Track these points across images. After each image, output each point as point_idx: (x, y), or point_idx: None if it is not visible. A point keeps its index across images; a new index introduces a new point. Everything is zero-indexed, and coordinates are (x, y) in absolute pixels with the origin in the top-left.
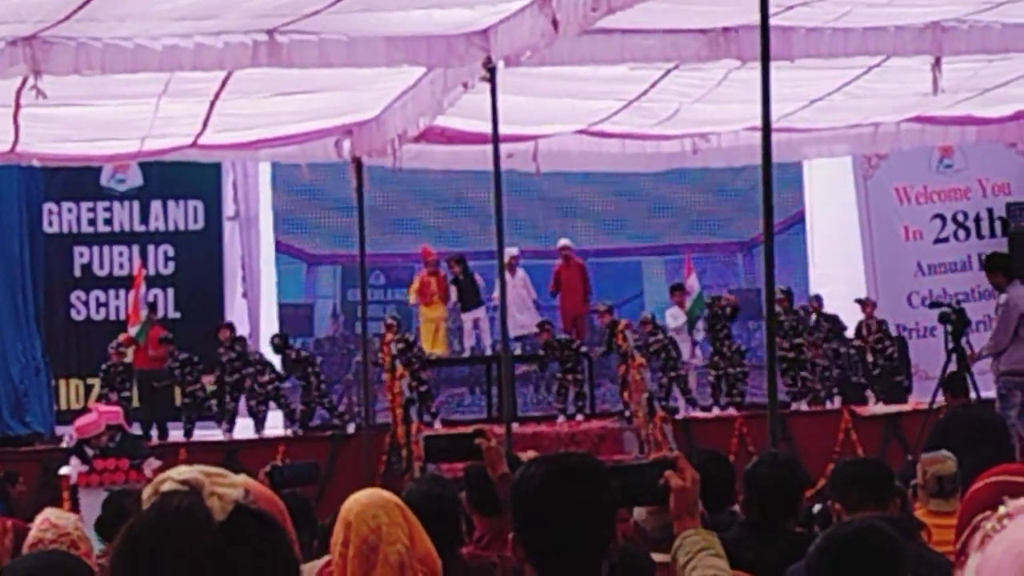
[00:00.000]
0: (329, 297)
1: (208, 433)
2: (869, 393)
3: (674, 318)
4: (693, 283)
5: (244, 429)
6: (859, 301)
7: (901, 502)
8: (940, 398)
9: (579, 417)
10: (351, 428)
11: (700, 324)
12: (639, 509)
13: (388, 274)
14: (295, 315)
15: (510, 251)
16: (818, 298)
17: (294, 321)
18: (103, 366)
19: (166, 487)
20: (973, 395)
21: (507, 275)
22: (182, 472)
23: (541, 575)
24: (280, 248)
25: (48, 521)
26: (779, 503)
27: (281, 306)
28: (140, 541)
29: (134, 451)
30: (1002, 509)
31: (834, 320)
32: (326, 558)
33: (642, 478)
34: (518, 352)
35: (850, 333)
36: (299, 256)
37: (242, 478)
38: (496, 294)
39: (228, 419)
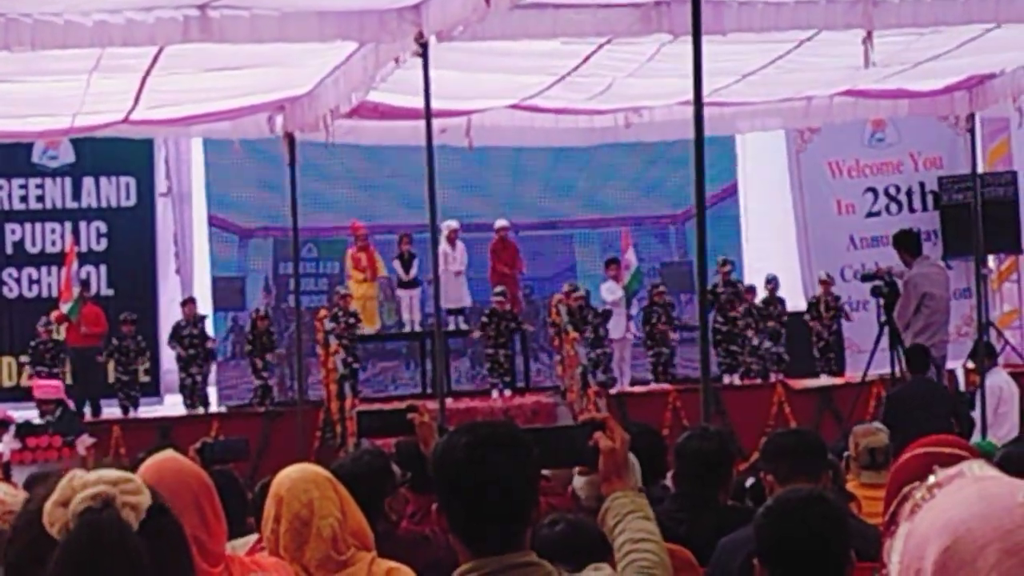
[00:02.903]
0: (261, 270)
1: (141, 410)
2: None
3: (610, 292)
4: (631, 258)
5: (176, 406)
6: (822, 281)
7: (833, 474)
8: (872, 372)
9: (507, 392)
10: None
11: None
12: (577, 479)
13: (320, 247)
14: (228, 288)
15: (450, 223)
16: (775, 279)
17: (226, 294)
18: (32, 343)
19: (78, 505)
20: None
21: (447, 247)
22: (87, 484)
23: (465, 545)
24: (213, 222)
25: None
26: (708, 475)
27: (214, 279)
28: (79, 571)
29: (71, 427)
30: (932, 479)
31: (780, 303)
32: (255, 536)
33: (571, 440)
34: (452, 327)
35: (803, 306)
36: (231, 229)
37: (169, 453)
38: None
39: (194, 393)
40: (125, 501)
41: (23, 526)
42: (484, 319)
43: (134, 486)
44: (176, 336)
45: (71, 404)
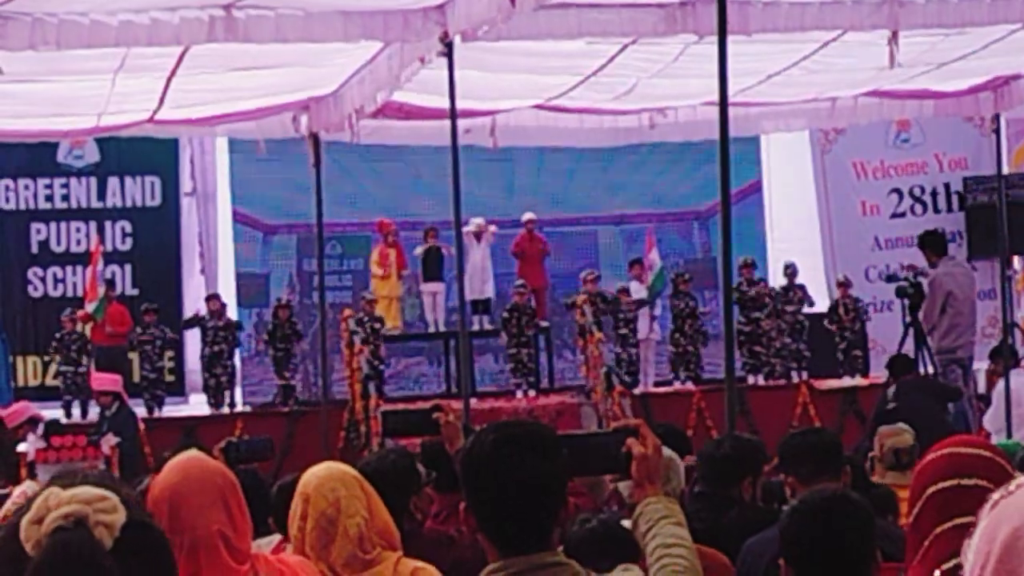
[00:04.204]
0: (285, 267)
1: (166, 409)
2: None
3: (634, 292)
4: (655, 258)
5: (201, 405)
6: (840, 283)
7: (852, 471)
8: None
9: (532, 392)
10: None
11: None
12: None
13: (344, 244)
14: (251, 284)
15: (478, 220)
16: (792, 266)
17: (250, 291)
18: (56, 335)
19: (51, 524)
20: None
21: (475, 242)
22: (61, 502)
23: (493, 544)
24: (237, 218)
25: (24, 495)
26: (721, 477)
27: (238, 275)
28: None
29: (127, 424)
30: (1015, 481)
31: (802, 289)
32: (279, 536)
33: (605, 448)
34: (476, 326)
35: (823, 309)
36: (255, 226)
37: (194, 452)
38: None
39: (218, 392)
40: (98, 520)
41: (5, 539)
42: (505, 315)
43: (109, 504)
44: (198, 324)
45: (91, 404)
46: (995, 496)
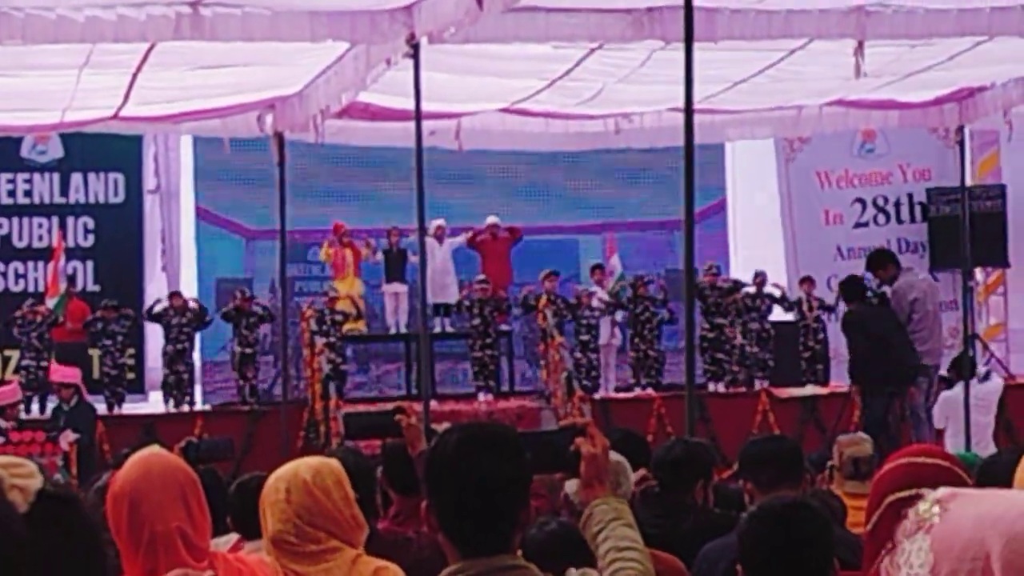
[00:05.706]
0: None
1: (125, 407)
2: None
3: (595, 297)
4: (615, 263)
5: (161, 403)
6: (803, 280)
7: (811, 479)
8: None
9: (492, 396)
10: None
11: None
12: (570, 482)
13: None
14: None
15: (437, 222)
16: (762, 275)
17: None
18: (16, 318)
19: None
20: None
21: (435, 244)
22: None
23: (453, 545)
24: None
25: None
26: (675, 481)
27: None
28: None
29: (86, 418)
30: (932, 496)
31: (771, 299)
32: (235, 536)
33: (553, 445)
34: (438, 329)
35: (789, 316)
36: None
37: (155, 448)
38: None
39: (178, 390)
40: (13, 484)
41: None
42: (465, 304)
43: (26, 471)
44: (158, 318)
45: (52, 400)
46: (922, 513)
